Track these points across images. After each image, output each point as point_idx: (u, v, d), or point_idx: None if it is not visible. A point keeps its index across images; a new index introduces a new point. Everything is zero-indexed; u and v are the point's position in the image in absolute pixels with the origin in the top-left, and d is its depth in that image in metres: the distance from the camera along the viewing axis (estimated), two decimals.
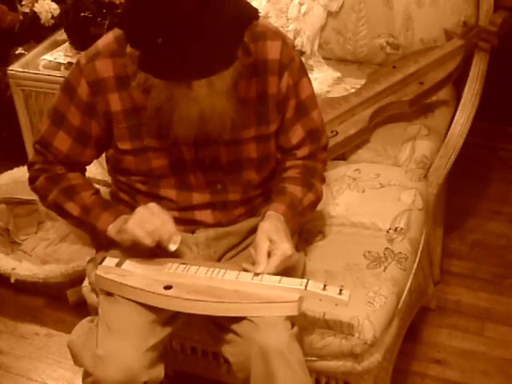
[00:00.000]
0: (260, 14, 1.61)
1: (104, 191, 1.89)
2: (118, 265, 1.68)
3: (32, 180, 1.81)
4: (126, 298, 1.66)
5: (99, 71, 1.67)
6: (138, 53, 1.53)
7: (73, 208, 1.75)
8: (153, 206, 1.67)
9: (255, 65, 1.68)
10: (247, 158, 1.75)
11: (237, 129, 1.68)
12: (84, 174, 1.84)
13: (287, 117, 1.77)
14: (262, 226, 1.67)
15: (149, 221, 1.63)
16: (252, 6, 1.58)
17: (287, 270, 1.66)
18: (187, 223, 1.79)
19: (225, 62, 1.50)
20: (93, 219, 1.72)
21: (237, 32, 1.51)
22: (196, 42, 1.45)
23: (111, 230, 1.70)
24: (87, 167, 1.86)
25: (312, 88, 1.81)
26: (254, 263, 1.64)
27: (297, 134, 1.79)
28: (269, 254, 1.63)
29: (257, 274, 1.62)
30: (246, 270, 1.65)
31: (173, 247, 1.66)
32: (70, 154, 1.76)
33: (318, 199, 1.84)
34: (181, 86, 1.54)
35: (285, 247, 1.63)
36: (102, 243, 1.78)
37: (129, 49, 1.63)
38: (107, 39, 1.69)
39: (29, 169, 1.82)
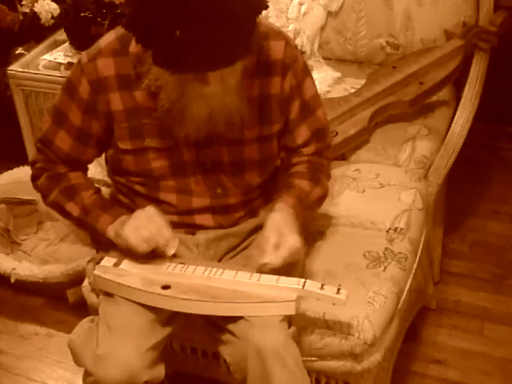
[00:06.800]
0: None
1: (104, 191, 1.88)
2: (116, 265, 1.68)
3: (34, 178, 1.81)
4: (125, 298, 1.66)
5: (100, 70, 1.67)
6: (146, 53, 1.51)
7: (73, 208, 1.75)
8: (150, 210, 1.66)
9: (258, 65, 1.67)
10: (249, 159, 1.75)
11: (241, 128, 1.67)
12: (85, 174, 1.84)
13: (292, 117, 1.77)
14: (273, 217, 1.66)
15: (144, 227, 1.63)
16: None
17: (286, 269, 1.66)
18: (187, 227, 1.79)
19: (243, 50, 1.49)
20: (92, 220, 1.73)
21: (250, 19, 1.49)
22: (214, 31, 1.43)
23: (110, 231, 1.70)
24: (88, 166, 1.86)
25: (316, 88, 1.81)
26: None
27: (302, 134, 1.79)
28: (277, 247, 1.62)
29: (261, 272, 1.61)
30: (245, 267, 1.65)
31: (170, 251, 1.66)
32: (71, 152, 1.76)
33: (326, 194, 1.85)
34: (195, 82, 1.52)
35: (294, 239, 1.62)
36: (102, 243, 1.78)
37: (133, 48, 1.62)
38: (109, 38, 1.69)
39: (31, 167, 1.82)
